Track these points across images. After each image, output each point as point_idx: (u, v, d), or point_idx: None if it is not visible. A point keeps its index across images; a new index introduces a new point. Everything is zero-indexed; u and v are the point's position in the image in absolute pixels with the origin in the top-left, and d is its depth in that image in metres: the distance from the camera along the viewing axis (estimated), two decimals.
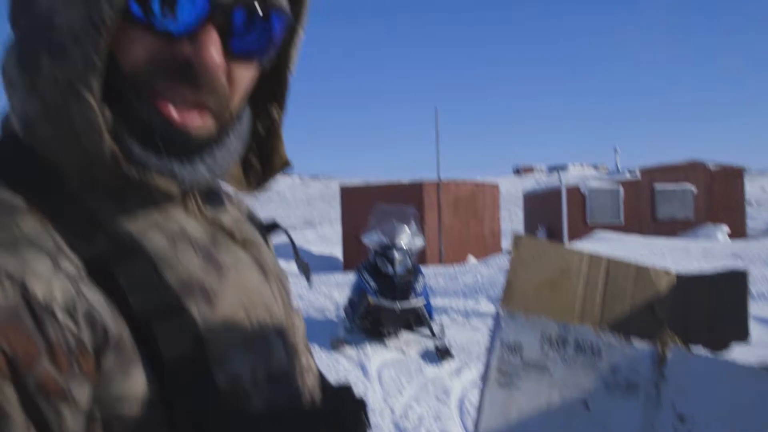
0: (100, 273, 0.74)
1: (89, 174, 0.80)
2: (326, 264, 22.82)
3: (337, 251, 24.27)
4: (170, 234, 0.84)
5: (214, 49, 0.79)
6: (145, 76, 0.78)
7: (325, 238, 33.45)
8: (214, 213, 0.95)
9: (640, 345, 1.48)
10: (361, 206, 19.65)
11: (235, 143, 0.90)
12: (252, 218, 1.08)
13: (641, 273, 1.69)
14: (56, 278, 0.69)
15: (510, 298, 1.79)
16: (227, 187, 1.03)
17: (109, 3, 0.73)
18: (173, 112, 0.80)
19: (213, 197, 0.97)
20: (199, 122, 0.82)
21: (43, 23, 0.77)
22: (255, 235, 1.01)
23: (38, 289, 0.67)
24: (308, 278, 1.11)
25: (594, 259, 1.76)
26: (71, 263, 0.72)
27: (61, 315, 0.68)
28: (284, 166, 1.00)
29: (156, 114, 0.79)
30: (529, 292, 1.76)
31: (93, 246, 0.76)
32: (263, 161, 1.02)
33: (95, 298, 0.72)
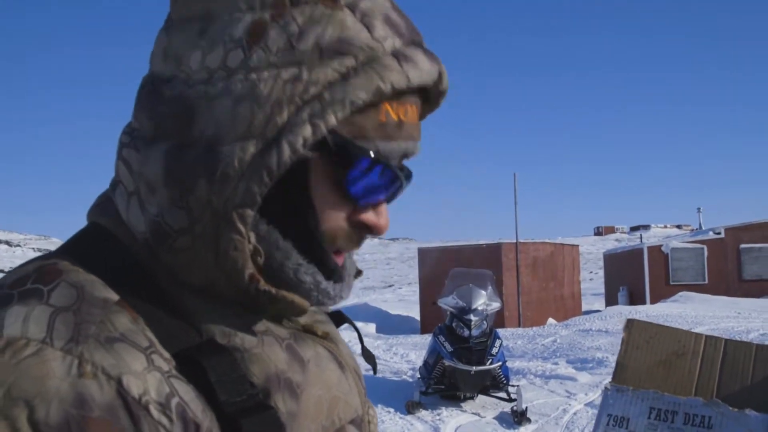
0: (189, 367, 0.76)
1: (213, 286, 0.83)
2: (404, 325, 22.77)
3: (415, 312, 24.18)
4: (257, 330, 0.86)
5: (387, 214, 0.89)
6: (330, 238, 0.86)
7: (404, 300, 33.40)
8: None
9: (756, 414, 1.51)
10: (439, 268, 19.63)
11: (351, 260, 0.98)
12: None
13: (762, 351, 1.72)
14: (150, 375, 0.72)
15: (621, 377, 1.81)
16: None
17: (289, 154, 0.77)
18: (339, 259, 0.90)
19: None
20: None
21: (206, 147, 0.79)
22: (332, 328, 1.03)
23: (133, 386, 0.70)
24: (374, 368, 1.14)
25: (710, 340, 1.77)
26: (163, 359, 0.75)
27: (155, 411, 0.70)
28: (357, 275, 1.03)
29: (330, 257, 0.87)
30: (641, 372, 1.80)
31: (182, 340, 0.78)
32: None
33: (186, 393, 0.74)
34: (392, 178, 0.86)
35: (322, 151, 0.80)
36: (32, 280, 0.76)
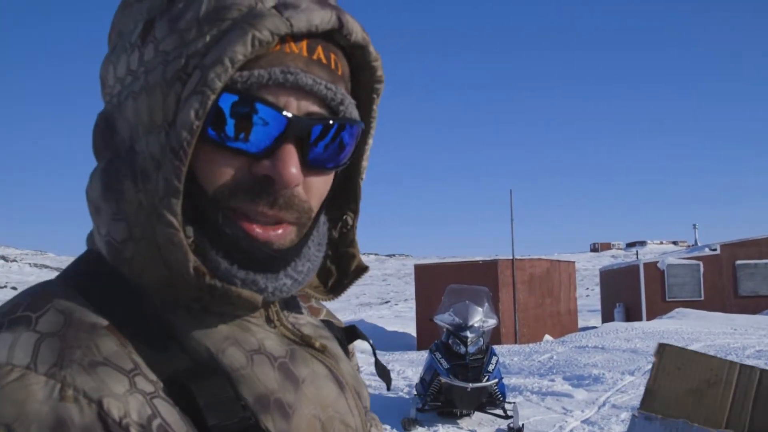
0: (177, 390, 0.76)
1: (171, 291, 0.82)
2: (400, 342, 22.70)
3: (412, 329, 24.10)
4: (248, 349, 0.85)
5: (292, 165, 0.80)
6: (227, 194, 0.80)
7: (400, 316, 33.33)
8: (294, 322, 0.97)
9: None
10: (435, 284, 19.60)
11: (315, 251, 0.92)
12: (330, 324, 1.09)
13: None
14: (132, 397, 0.72)
15: (649, 404, 1.79)
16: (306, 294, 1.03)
17: (187, 129, 0.75)
18: (256, 229, 0.82)
19: (291, 306, 0.99)
20: (280, 233, 0.84)
21: (126, 151, 0.81)
22: (334, 345, 1.01)
23: (114, 408, 0.70)
24: (388, 384, 1.12)
25: (745, 369, 1.79)
26: (148, 381, 0.74)
27: None
28: (362, 272, 1.01)
29: (240, 231, 0.81)
30: (670, 400, 1.81)
31: (171, 364, 0.78)
32: (339, 267, 1.03)
33: (170, 415, 0.74)
34: (273, 116, 0.79)
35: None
36: (23, 308, 0.77)
